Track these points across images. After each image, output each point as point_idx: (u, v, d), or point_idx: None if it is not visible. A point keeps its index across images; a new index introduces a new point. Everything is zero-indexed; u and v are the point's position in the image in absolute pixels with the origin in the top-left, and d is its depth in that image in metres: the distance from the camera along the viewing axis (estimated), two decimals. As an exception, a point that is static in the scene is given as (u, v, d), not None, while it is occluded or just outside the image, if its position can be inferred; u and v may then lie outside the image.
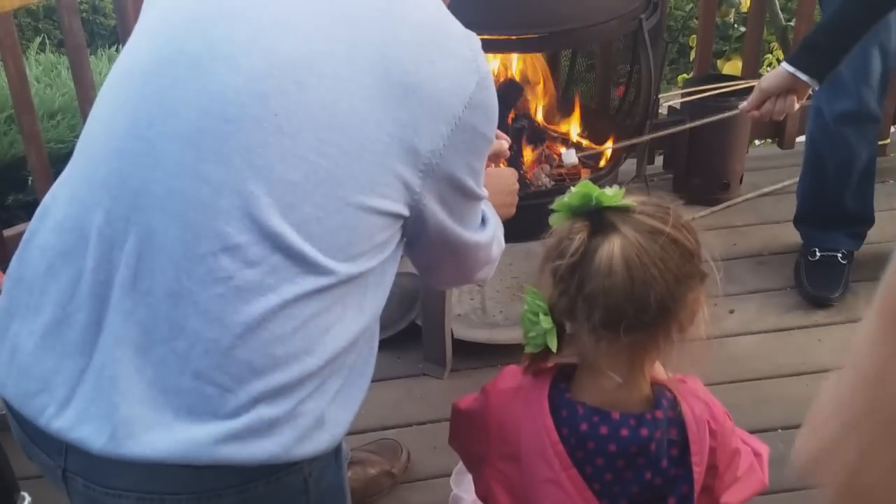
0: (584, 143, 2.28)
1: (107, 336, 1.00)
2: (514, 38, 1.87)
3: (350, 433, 1.15)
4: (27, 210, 2.72)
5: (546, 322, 1.12)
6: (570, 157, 2.01)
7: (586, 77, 3.11)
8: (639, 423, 1.14)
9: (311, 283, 1.01)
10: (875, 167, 2.46)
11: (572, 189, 1.10)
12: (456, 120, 1.08)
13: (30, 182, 2.62)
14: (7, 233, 2.33)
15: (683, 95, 2.75)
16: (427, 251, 1.21)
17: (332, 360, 1.04)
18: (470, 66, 1.10)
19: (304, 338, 1.01)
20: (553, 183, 2.15)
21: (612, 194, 1.09)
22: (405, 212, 1.09)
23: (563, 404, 1.17)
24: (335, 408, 1.07)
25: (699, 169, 2.79)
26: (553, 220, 1.13)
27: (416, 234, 1.15)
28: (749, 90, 2.63)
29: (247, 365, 0.99)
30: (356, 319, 1.07)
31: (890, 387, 0.50)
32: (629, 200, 1.10)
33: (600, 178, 2.09)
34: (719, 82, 2.69)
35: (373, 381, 2.45)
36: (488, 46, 1.53)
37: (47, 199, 1.11)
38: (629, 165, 2.77)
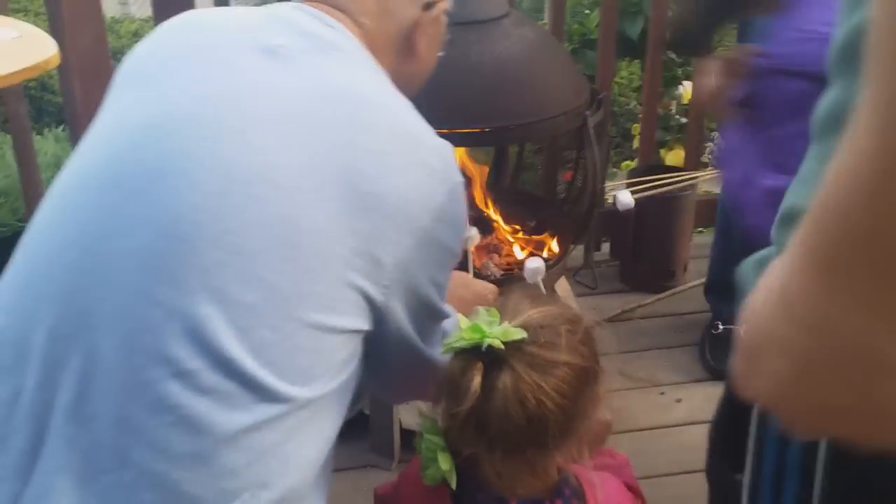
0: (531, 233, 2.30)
1: (46, 462, 0.93)
2: (464, 131, 1.89)
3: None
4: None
5: (445, 462, 1.12)
6: (625, 197, 1.77)
7: (532, 163, 3.16)
8: None
9: (267, 410, 0.95)
10: None
11: (462, 328, 1.07)
12: (422, 233, 1.03)
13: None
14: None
15: (628, 186, 2.80)
16: (386, 362, 1.14)
17: (288, 497, 0.97)
18: (439, 176, 1.06)
19: (259, 471, 0.94)
20: (502, 273, 2.16)
21: (500, 332, 1.06)
22: (365, 326, 1.04)
23: (464, 492, 1.16)
24: None
25: (645, 256, 2.83)
26: (447, 357, 1.12)
27: (376, 347, 1.09)
28: (692, 182, 2.71)
29: (195, 500, 0.92)
30: (316, 447, 1.01)
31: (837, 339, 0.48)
32: (519, 331, 1.06)
33: (549, 269, 2.10)
34: (662, 172, 2.75)
35: (318, 473, 2.36)
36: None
37: None
38: (577, 251, 2.81)
